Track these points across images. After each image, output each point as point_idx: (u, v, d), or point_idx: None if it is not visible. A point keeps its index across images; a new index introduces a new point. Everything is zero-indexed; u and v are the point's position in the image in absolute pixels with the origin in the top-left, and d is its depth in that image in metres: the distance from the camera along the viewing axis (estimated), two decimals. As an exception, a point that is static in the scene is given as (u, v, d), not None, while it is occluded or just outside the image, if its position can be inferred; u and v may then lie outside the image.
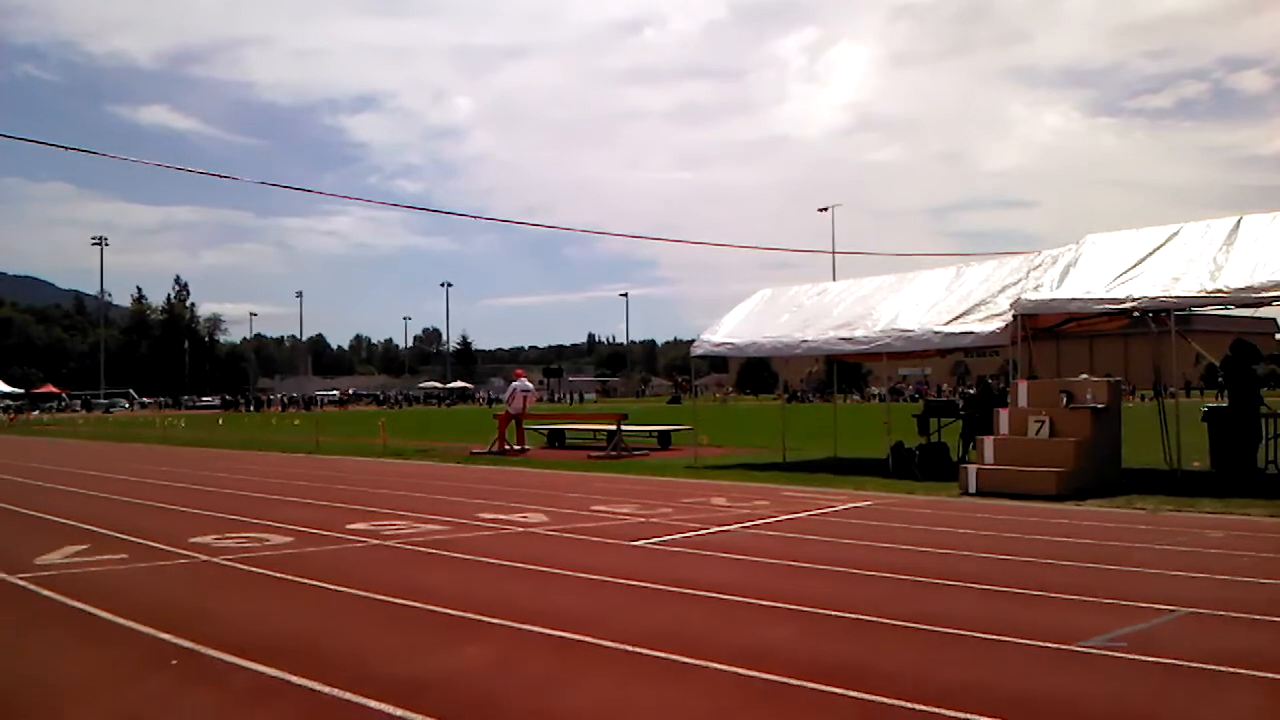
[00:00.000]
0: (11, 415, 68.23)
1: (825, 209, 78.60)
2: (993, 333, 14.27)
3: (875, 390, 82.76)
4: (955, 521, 10.31)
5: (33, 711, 4.37)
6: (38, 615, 6.25)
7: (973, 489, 12.83)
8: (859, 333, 16.08)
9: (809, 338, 16.82)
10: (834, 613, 5.98)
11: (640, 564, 7.87)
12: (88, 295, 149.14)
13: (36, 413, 78.60)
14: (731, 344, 18.47)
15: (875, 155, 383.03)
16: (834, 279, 31.14)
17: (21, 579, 7.27)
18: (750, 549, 8.50)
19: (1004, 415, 13.65)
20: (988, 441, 13.41)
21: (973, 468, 13.14)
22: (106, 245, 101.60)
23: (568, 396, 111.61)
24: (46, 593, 6.79)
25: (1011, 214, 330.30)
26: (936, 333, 15.00)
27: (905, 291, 16.59)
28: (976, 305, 14.88)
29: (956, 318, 14.89)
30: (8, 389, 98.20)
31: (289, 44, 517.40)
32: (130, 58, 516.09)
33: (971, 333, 14.61)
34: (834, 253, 63.99)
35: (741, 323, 18.71)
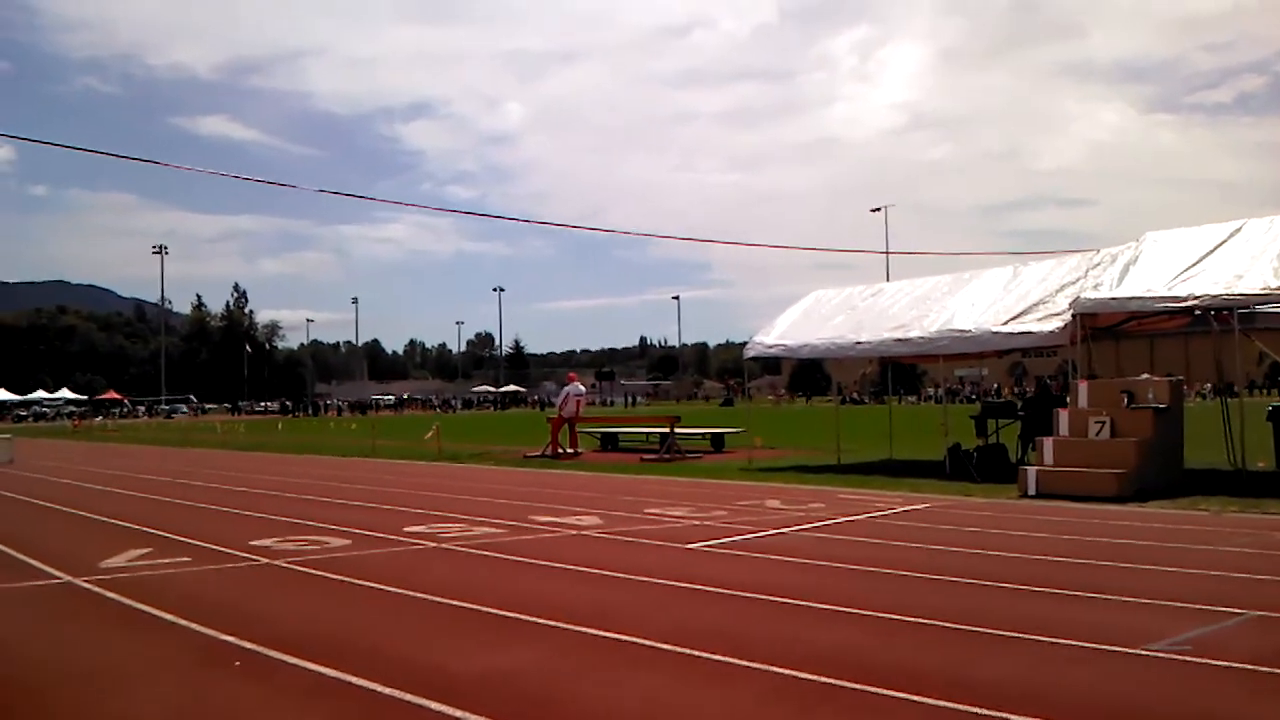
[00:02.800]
0: (76, 421, 69.85)
1: (878, 209, 78.09)
2: (1051, 332, 14.08)
3: (931, 391, 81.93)
4: (1014, 524, 10.18)
5: (93, 708, 4.45)
6: (103, 617, 6.37)
7: (1032, 491, 12.65)
8: (914, 333, 15.94)
9: (863, 339, 16.70)
10: (891, 615, 5.92)
11: (694, 567, 7.85)
12: (149, 303, 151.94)
13: (100, 418, 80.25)
14: (785, 345, 18.39)
15: (928, 154, 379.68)
16: (888, 279, 30.94)
17: (87, 581, 7.42)
18: (805, 552, 8.46)
19: (1064, 416, 13.45)
20: (1047, 442, 13.22)
21: (1032, 469, 12.96)
22: (167, 254, 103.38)
23: (620, 400, 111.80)
24: (111, 595, 6.93)
25: (1068, 212, 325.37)
26: (994, 333, 14.83)
27: (961, 292, 16.41)
28: (1034, 305, 14.68)
29: (1014, 317, 14.70)
30: (73, 396, 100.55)
31: (345, 53, 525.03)
32: (190, 69, 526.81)
33: (1030, 332, 14.42)
34: (887, 253, 63.50)
35: (795, 324, 18.62)
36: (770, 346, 18.59)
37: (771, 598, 6.51)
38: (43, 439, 40.38)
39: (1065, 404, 14.06)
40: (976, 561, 7.93)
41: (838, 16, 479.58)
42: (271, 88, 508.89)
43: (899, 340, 16.17)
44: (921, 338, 15.81)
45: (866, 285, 19.32)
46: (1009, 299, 15.26)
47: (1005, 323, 14.74)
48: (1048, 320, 14.21)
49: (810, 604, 6.28)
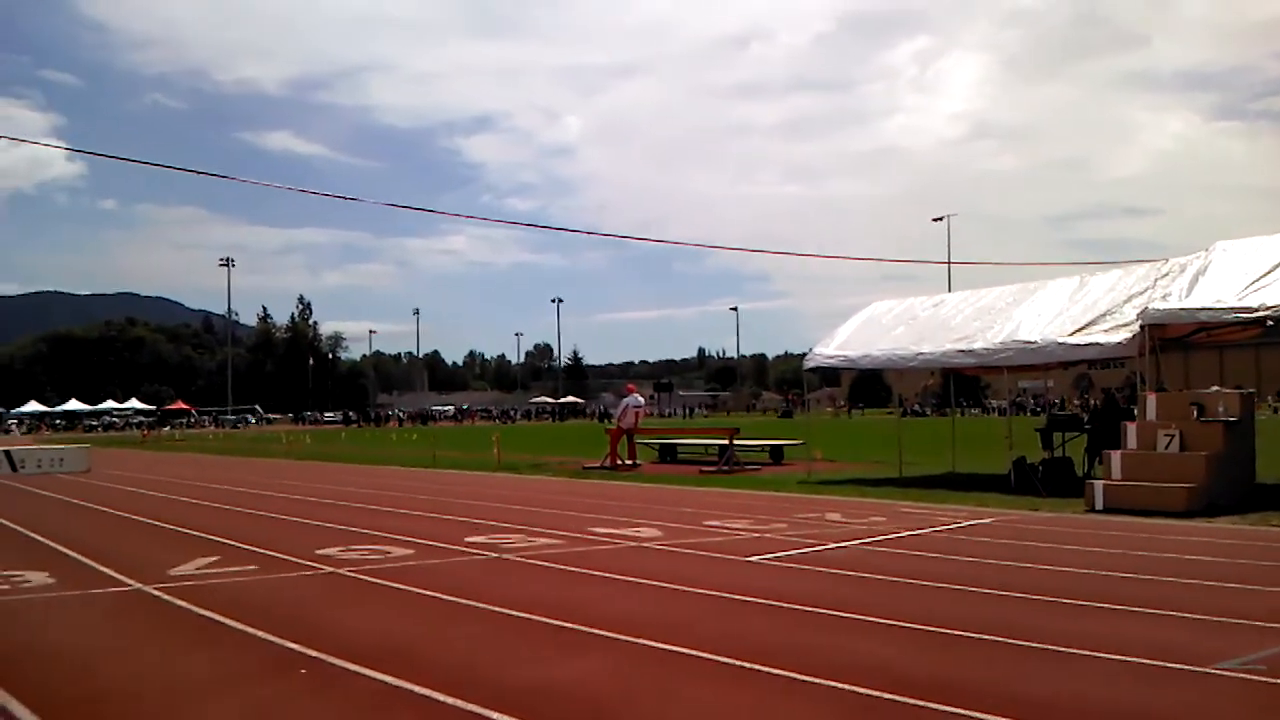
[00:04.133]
0: (145, 431, 71.26)
1: (940, 219, 77.12)
2: (1119, 344, 13.83)
3: (994, 404, 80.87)
4: (1081, 538, 10.01)
5: (164, 714, 4.55)
6: (171, 623, 6.51)
7: (1099, 505, 12.43)
8: (978, 345, 15.75)
9: (925, 350, 16.54)
10: (954, 631, 5.86)
11: (755, 579, 7.82)
12: (216, 315, 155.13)
13: (168, 429, 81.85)
14: (845, 356, 18.26)
15: (990, 164, 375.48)
16: (949, 290, 30.60)
17: (156, 589, 7.58)
18: (867, 566, 8.38)
19: (1132, 429, 13.20)
20: (1115, 456, 12.98)
21: (1099, 483, 12.74)
22: (233, 266, 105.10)
23: (678, 411, 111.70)
24: (180, 602, 7.06)
25: (1135, 222, 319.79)
26: (1060, 344, 14.60)
27: (1026, 302, 16.18)
28: (1101, 315, 14.44)
29: (1081, 328, 14.47)
30: (141, 406, 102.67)
31: (408, 69, 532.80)
32: (257, 85, 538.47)
33: (1097, 344, 14.17)
34: (949, 263, 62.60)
35: (855, 335, 18.50)
36: (830, 357, 18.47)
37: (833, 611, 6.47)
38: (113, 448, 41.27)
39: (1133, 417, 13.78)
40: (1041, 577, 7.80)
41: (897, 27, 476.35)
42: (335, 103, 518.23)
43: (962, 351, 15.98)
44: (985, 349, 15.61)
45: (928, 296, 19.15)
46: (1075, 309, 15.02)
47: (1071, 334, 14.51)
48: (1115, 331, 13.96)
49: (872, 619, 6.23)
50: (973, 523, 11.45)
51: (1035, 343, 14.93)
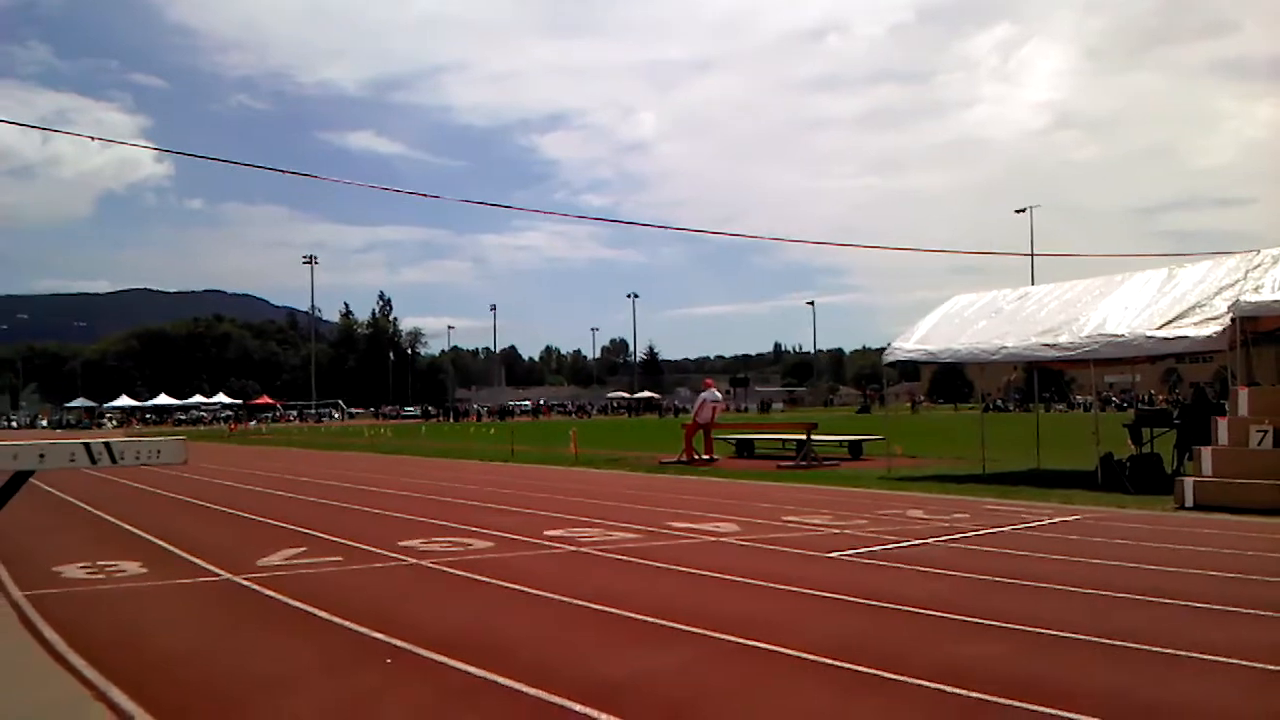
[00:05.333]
0: (232, 425, 73.06)
1: (1022, 210, 75.60)
2: (1209, 337, 13.45)
3: (1080, 398, 79.21)
4: (1170, 536, 9.76)
5: (255, 702, 4.66)
6: (260, 613, 6.66)
7: (1189, 502, 12.11)
8: (1063, 338, 15.43)
9: (1009, 344, 16.25)
10: (1041, 630, 5.75)
11: (835, 575, 7.76)
12: (300, 311, 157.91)
13: (254, 423, 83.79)
14: (926, 350, 18.02)
15: (1075, 154, 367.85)
16: (1032, 283, 30.04)
17: (245, 579, 7.77)
18: (950, 563, 8.27)
19: (1223, 425, 12.83)
20: (1205, 452, 12.63)
21: (1189, 480, 12.41)
22: (316, 264, 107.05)
23: (754, 406, 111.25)
24: (268, 592, 7.23)
25: (1225, 212, 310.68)
26: (1149, 338, 14.24)
27: (1113, 295, 15.81)
28: (1191, 308, 14.05)
29: (1169, 322, 14.10)
30: (228, 400, 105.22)
31: (485, 68, 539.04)
32: (338, 86, 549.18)
33: (1186, 337, 13.80)
34: (1032, 255, 61.43)
35: (936, 329, 18.25)
36: (910, 351, 18.24)
37: (916, 609, 6.38)
38: (201, 441, 42.36)
39: (1224, 412, 13.40)
40: (1131, 576, 7.62)
41: (977, 16, 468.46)
42: (414, 102, 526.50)
43: (1047, 345, 15.67)
44: (1071, 343, 15.29)
45: (1011, 289, 18.81)
46: (1164, 302, 14.64)
47: (1160, 327, 14.14)
48: (1205, 324, 13.58)
49: (956, 616, 6.14)
50: (1059, 520, 11.23)
51: (1123, 336, 14.58)
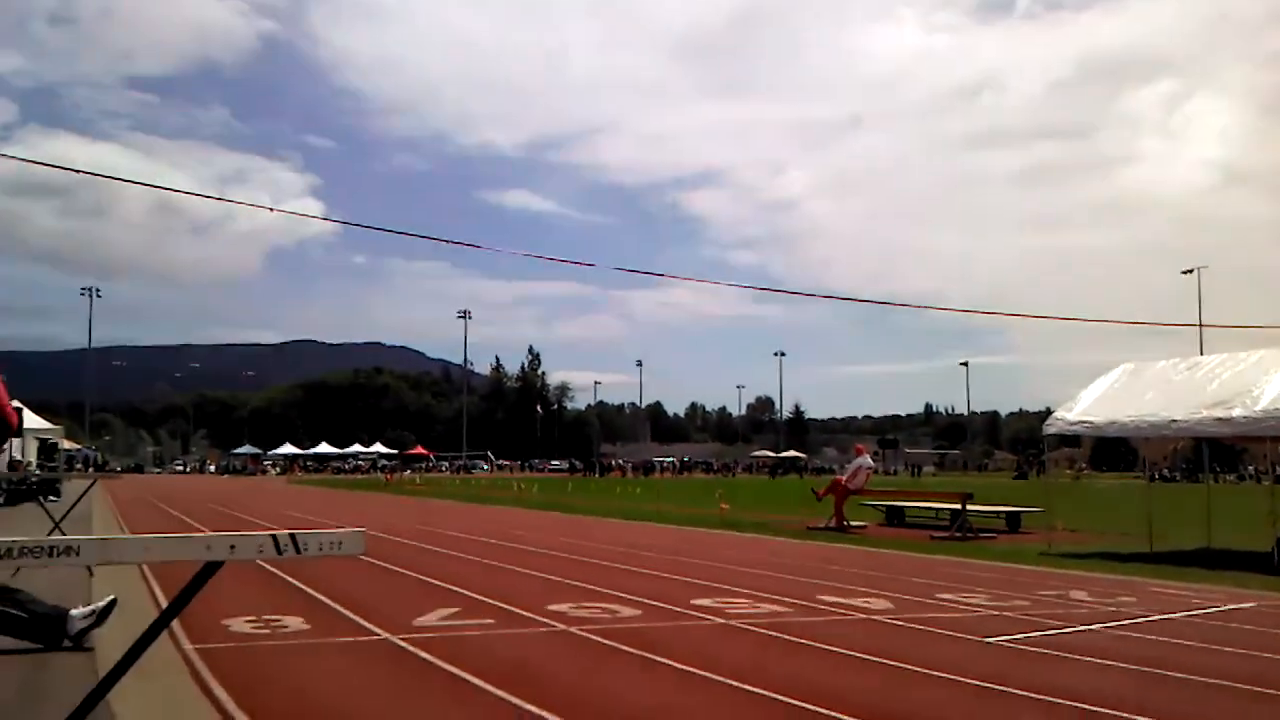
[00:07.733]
0: (388, 475, 75.40)
1: (1189, 271, 72.46)
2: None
3: (1252, 469, 74.87)
4: (1365, 634, 9.05)
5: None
6: (416, 674, 6.78)
7: (1385, 595, 11.25)
8: (1237, 412, 14.61)
9: (1178, 417, 15.49)
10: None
11: (994, 663, 7.45)
12: (453, 364, 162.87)
13: (408, 472, 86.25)
14: (1089, 423, 17.31)
15: (1248, 212, 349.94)
16: (1201, 351, 28.68)
17: (402, 639, 7.93)
18: (1117, 653, 7.84)
19: None
20: (1403, 541, 11.73)
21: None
22: (470, 318, 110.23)
23: (902, 468, 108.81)
24: (423, 654, 7.36)
25: None
26: (1333, 414, 13.37)
27: (1291, 366, 14.93)
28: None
29: (1358, 397, 13.21)
30: (385, 450, 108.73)
31: (638, 129, 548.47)
32: (496, 148, 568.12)
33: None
34: (1199, 325, 58.47)
35: (1100, 400, 17.52)
36: (1073, 423, 17.55)
37: (1085, 705, 6.05)
38: (359, 490, 43.78)
39: None
40: (1323, 678, 7.08)
41: (1139, 69, 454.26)
42: (568, 161, 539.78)
43: (1219, 420, 14.87)
44: (1246, 417, 14.47)
45: (1181, 358, 17.96)
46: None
47: (1348, 403, 13.27)
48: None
49: (1122, 713, 5.81)
50: (1232, 607, 10.56)
51: (1305, 412, 13.73)
